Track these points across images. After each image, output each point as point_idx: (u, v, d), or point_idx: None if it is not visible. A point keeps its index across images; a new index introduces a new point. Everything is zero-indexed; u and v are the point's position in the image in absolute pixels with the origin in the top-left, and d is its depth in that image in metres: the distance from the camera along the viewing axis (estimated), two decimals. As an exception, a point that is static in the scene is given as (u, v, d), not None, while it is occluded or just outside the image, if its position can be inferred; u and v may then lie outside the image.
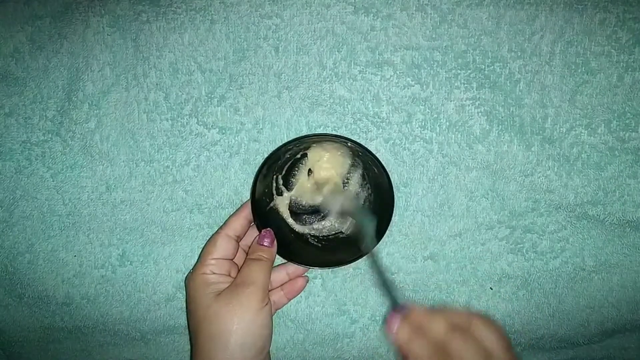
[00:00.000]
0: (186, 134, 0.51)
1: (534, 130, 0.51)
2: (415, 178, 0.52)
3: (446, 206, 0.52)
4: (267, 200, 0.50)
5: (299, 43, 0.50)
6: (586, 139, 0.51)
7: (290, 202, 0.51)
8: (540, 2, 0.50)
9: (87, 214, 0.52)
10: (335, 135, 0.48)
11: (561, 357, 0.57)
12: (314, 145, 0.49)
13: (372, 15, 0.50)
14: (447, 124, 0.51)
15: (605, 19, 0.49)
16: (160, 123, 0.51)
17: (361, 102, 0.51)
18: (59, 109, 0.51)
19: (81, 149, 0.51)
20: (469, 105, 0.51)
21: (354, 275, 0.53)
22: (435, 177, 0.52)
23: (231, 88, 0.51)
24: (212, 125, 0.51)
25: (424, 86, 0.51)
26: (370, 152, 0.46)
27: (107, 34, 0.50)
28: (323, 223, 0.52)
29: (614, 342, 0.57)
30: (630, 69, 0.50)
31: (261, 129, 0.51)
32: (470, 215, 0.52)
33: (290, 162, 0.51)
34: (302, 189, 0.51)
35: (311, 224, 0.52)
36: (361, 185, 0.51)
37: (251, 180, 0.50)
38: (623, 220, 0.52)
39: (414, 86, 0.51)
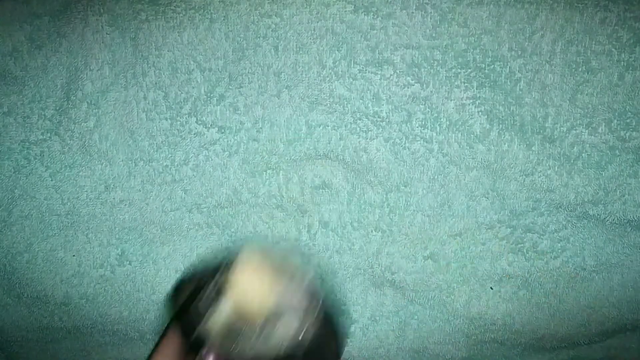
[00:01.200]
0: (185, 133, 0.51)
1: (535, 130, 0.51)
2: (415, 178, 0.52)
3: (446, 206, 0.52)
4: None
5: (298, 42, 0.50)
6: (587, 138, 0.51)
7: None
8: (541, 0, 0.49)
9: (86, 213, 0.52)
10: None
11: (561, 357, 0.57)
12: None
13: (372, 14, 0.50)
14: (447, 123, 0.51)
15: (606, 18, 0.49)
16: (159, 122, 0.51)
17: (361, 101, 0.51)
18: (57, 108, 0.51)
19: (80, 148, 0.51)
20: (469, 104, 0.51)
21: (354, 275, 0.53)
22: (436, 177, 0.52)
23: (230, 87, 0.51)
24: (211, 125, 0.51)
25: (424, 85, 0.51)
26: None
27: (106, 33, 0.50)
28: None
29: (614, 342, 0.56)
30: (631, 68, 0.49)
31: (260, 128, 0.51)
32: (470, 215, 0.52)
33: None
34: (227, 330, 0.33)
35: None
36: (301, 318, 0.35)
37: (251, 180, 0.50)
38: (624, 219, 0.52)
39: (414, 85, 0.51)
